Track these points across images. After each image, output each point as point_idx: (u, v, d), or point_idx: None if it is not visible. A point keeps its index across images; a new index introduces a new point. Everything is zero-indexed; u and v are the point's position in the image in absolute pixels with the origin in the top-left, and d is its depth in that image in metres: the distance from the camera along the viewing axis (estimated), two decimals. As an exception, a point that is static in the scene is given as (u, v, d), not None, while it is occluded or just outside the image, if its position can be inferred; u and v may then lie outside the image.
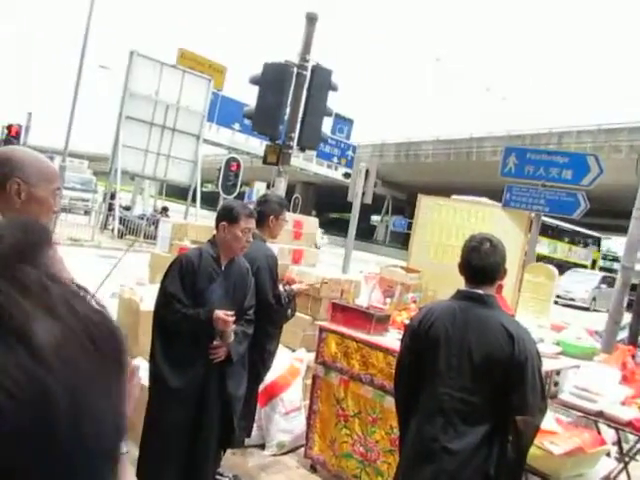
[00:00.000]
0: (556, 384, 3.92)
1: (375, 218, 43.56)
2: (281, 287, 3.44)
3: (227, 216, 2.82)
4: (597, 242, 29.89)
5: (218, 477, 3.26)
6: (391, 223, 36.77)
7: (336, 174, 29.38)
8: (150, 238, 14.28)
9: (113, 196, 17.09)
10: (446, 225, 5.59)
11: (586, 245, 28.15)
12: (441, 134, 29.89)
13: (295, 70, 5.76)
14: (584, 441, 2.53)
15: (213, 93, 19.03)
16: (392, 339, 3.41)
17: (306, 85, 5.84)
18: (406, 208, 34.82)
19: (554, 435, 2.50)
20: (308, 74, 5.85)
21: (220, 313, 2.64)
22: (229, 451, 3.57)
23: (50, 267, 0.90)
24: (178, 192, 27.92)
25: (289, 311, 3.43)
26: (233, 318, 2.68)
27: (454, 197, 6.04)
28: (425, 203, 5.80)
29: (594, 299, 20.89)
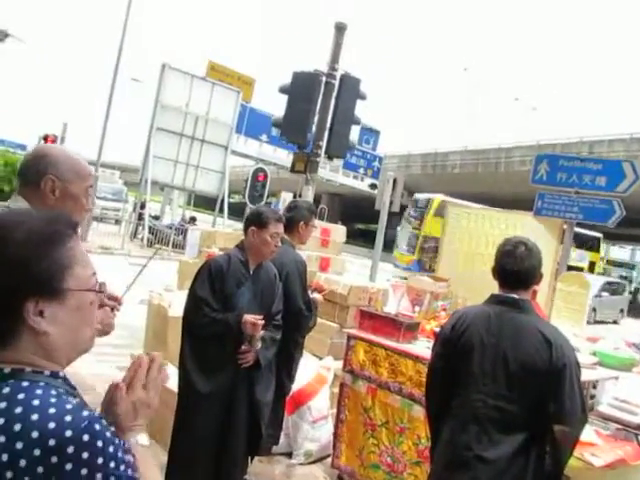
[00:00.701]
0: (593, 397, 3.79)
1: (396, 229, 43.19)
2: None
3: (256, 221, 2.82)
4: (596, 243, 25.81)
5: (245, 484, 3.24)
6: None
7: (362, 185, 29.38)
8: (178, 247, 14.50)
9: (143, 206, 17.41)
10: (475, 233, 5.50)
11: (581, 246, 23.65)
12: (469, 144, 29.60)
13: (324, 79, 5.79)
14: (626, 453, 2.42)
15: (241, 105, 19.29)
16: (422, 347, 3.35)
17: (334, 94, 5.86)
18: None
19: (594, 447, 2.40)
20: (337, 83, 5.87)
21: (249, 317, 2.64)
22: (256, 458, 3.56)
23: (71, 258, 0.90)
24: (206, 202, 28.28)
25: (312, 322, 3.40)
26: (262, 322, 2.67)
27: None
28: (453, 211, 5.73)
29: (594, 309, 17.28)
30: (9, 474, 0.76)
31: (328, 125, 5.83)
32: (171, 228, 16.44)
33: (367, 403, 3.40)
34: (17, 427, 0.78)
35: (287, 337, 3.16)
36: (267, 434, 3.28)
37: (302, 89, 5.58)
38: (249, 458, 3.23)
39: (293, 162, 6.02)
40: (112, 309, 1.67)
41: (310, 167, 5.83)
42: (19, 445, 0.77)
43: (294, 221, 3.29)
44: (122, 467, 0.85)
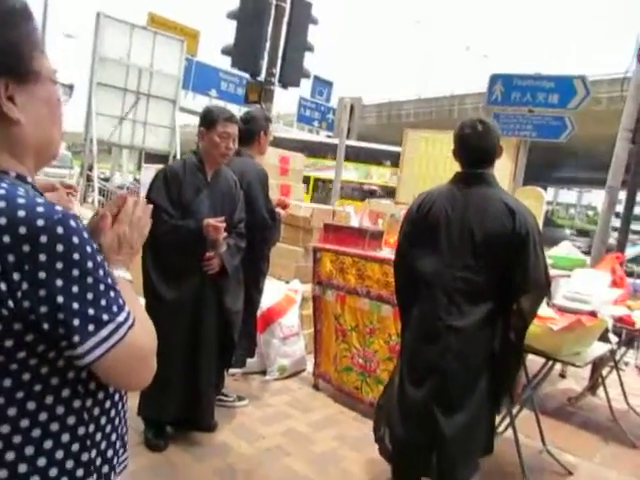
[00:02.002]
0: (548, 294, 3.99)
1: (358, 183, 43.41)
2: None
3: (204, 121, 2.70)
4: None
5: (222, 397, 3.27)
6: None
7: (318, 138, 29.11)
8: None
9: (91, 168, 16.73)
10: (433, 157, 5.58)
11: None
12: (422, 93, 29.65)
13: (274, 2, 5.59)
14: (581, 316, 2.58)
15: (187, 59, 18.46)
16: (387, 253, 3.41)
17: (286, 19, 5.69)
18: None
19: (553, 320, 2.54)
20: (287, 7, 5.68)
21: (210, 220, 2.57)
22: (230, 377, 3.60)
23: None
24: (158, 162, 27.41)
25: (277, 234, 3.36)
26: (224, 224, 2.61)
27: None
28: (411, 137, 5.77)
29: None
30: None
31: (280, 52, 5.69)
32: (122, 188, 15.92)
33: (337, 311, 3.46)
34: None
35: (253, 249, 3.13)
36: (241, 347, 3.30)
37: (251, 12, 5.37)
38: (224, 371, 3.25)
39: (246, 92, 5.84)
40: (68, 194, 1.60)
41: (265, 96, 5.69)
42: None
43: (253, 132, 3.20)
44: (101, 272, 0.80)
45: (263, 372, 3.85)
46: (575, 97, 5.07)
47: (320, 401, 3.53)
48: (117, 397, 0.94)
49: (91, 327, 0.78)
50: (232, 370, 3.61)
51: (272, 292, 4.07)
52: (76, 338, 0.77)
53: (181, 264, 2.64)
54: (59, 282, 0.75)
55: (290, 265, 4.55)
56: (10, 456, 0.79)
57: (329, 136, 26.52)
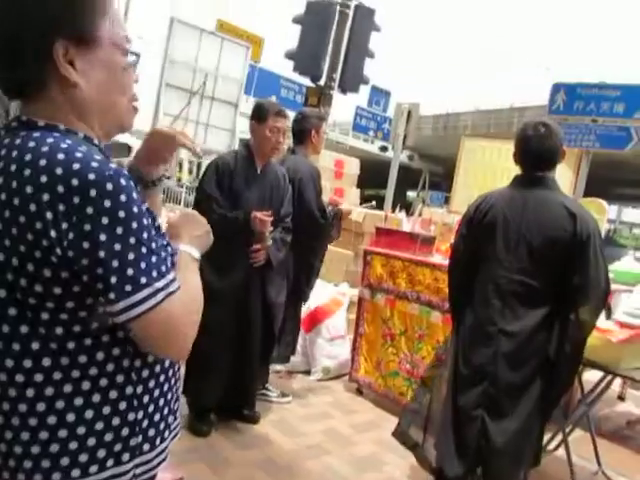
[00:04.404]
0: (609, 308, 3.81)
1: (411, 194, 43.06)
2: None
3: (255, 115, 2.74)
4: None
5: (266, 392, 3.31)
6: (428, 198, 36.26)
7: (372, 147, 29.04)
8: (190, 207, 14.50)
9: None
10: (490, 167, 5.46)
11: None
12: (481, 104, 29.03)
13: (338, 8, 5.66)
14: (642, 329, 2.44)
15: (250, 65, 18.92)
16: (438, 259, 3.37)
17: (348, 24, 5.74)
18: (443, 183, 34.19)
19: (612, 332, 2.42)
20: (351, 13, 5.74)
21: (258, 213, 2.62)
22: (275, 374, 3.64)
23: None
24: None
25: (334, 230, 3.37)
26: (271, 218, 2.65)
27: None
28: (468, 146, 5.66)
29: None
30: (33, 207, 0.74)
31: (342, 58, 5.75)
32: (182, 187, 16.45)
33: (386, 314, 3.44)
34: (42, 162, 0.76)
35: (304, 244, 3.15)
36: (285, 342, 3.33)
37: (316, 19, 5.47)
38: (267, 363, 3.27)
39: (306, 96, 5.93)
40: None
41: (324, 101, 5.76)
42: (43, 179, 0.75)
43: (305, 131, 3.22)
44: (144, 235, 0.80)
45: (307, 372, 3.86)
46: (644, 107, 4.85)
47: (362, 404, 3.50)
48: (167, 363, 0.95)
49: (128, 287, 0.77)
50: (277, 367, 3.66)
51: (321, 293, 4.09)
52: (112, 295, 0.77)
53: (229, 254, 2.65)
54: (103, 237, 0.75)
55: (340, 268, 4.56)
56: (60, 404, 0.81)
57: (384, 146, 26.38)
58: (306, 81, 6.44)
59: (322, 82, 5.90)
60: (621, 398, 4.41)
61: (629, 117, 4.92)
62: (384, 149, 26.90)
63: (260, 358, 2.93)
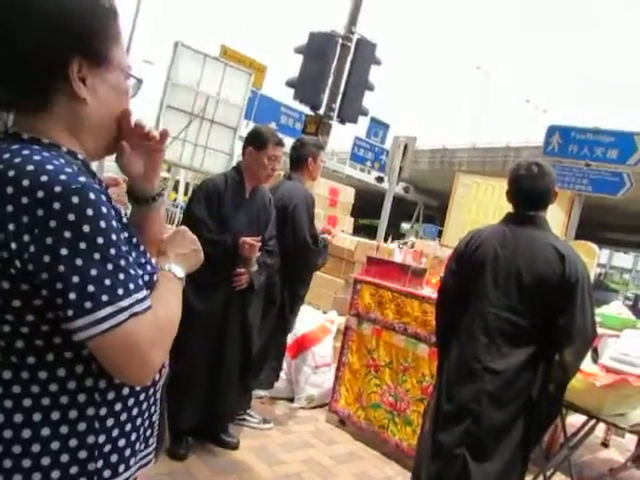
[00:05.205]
0: (595, 351, 3.81)
1: (405, 226, 43.27)
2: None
3: (254, 141, 2.76)
4: None
5: (247, 417, 3.26)
6: (421, 230, 36.45)
7: (369, 178, 29.29)
8: (183, 226, 14.45)
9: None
10: (484, 203, 5.51)
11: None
12: (478, 142, 29.53)
13: (340, 41, 5.80)
14: (628, 376, 2.44)
15: (252, 91, 19.20)
16: (428, 292, 3.37)
17: (350, 57, 5.88)
18: (437, 216, 34.45)
19: (596, 376, 2.42)
20: (353, 46, 5.88)
21: (247, 239, 2.63)
22: (258, 399, 3.58)
23: None
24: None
25: (321, 259, 3.37)
26: (259, 244, 2.67)
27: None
28: (462, 181, 5.73)
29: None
30: None
31: (342, 89, 5.86)
32: (177, 207, 16.47)
33: (371, 345, 3.41)
34: (11, 173, 0.75)
35: (293, 272, 3.15)
36: (270, 367, 3.30)
37: (318, 49, 5.60)
38: (250, 392, 3.24)
39: (305, 123, 6.03)
40: None
41: (322, 129, 5.85)
42: (9, 189, 0.74)
43: (302, 158, 3.26)
44: (112, 251, 0.77)
45: (290, 399, 3.81)
46: (635, 153, 4.95)
47: (344, 435, 3.45)
48: (138, 387, 0.90)
49: (88, 304, 0.74)
50: (260, 392, 3.61)
51: (308, 320, 4.06)
52: (70, 312, 0.74)
53: (212, 277, 2.62)
54: (64, 251, 0.73)
55: (329, 295, 4.54)
56: (17, 418, 0.78)
57: (380, 177, 26.63)
58: (306, 109, 6.53)
59: (321, 111, 6.01)
60: (605, 445, 4.37)
61: (622, 163, 5.02)
62: (380, 180, 27.14)
63: (240, 383, 2.90)
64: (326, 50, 5.64)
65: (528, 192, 2.20)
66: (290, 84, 5.96)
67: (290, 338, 3.64)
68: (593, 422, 2.56)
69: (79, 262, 0.74)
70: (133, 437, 0.90)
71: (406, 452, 3.03)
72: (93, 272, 0.75)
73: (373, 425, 3.34)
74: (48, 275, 0.74)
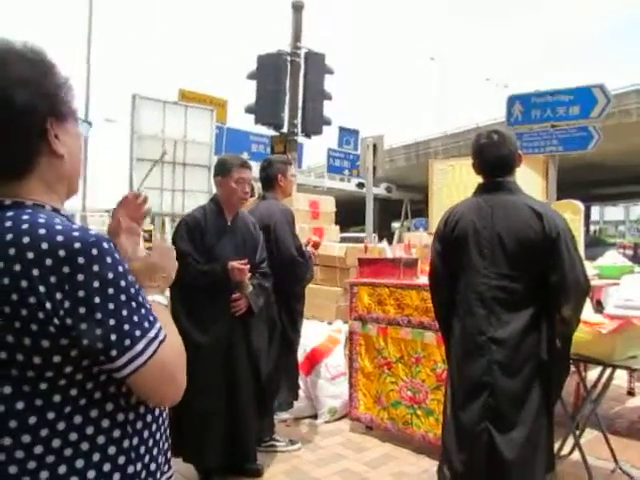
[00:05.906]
0: (599, 303, 3.83)
1: (395, 225, 43.35)
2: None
3: (219, 170, 2.82)
4: None
5: (274, 442, 3.24)
6: (412, 226, 36.52)
7: (349, 186, 29.40)
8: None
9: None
10: (462, 184, 5.53)
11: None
12: (448, 129, 29.78)
13: (288, 58, 5.89)
14: (632, 318, 2.45)
15: (218, 127, 19.33)
16: (424, 280, 3.38)
17: (302, 72, 5.96)
18: (424, 209, 34.42)
19: (602, 324, 2.43)
20: (302, 60, 5.97)
21: (234, 263, 2.65)
22: (282, 422, 3.56)
23: None
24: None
25: (308, 273, 3.37)
26: (248, 266, 2.68)
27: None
28: (437, 168, 5.77)
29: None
30: (24, 283, 0.77)
31: (300, 104, 5.94)
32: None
33: (379, 344, 3.42)
34: (26, 240, 0.79)
35: (286, 289, 3.16)
36: (285, 389, 3.29)
37: (268, 70, 5.69)
38: (272, 416, 3.22)
39: (272, 145, 6.09)
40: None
41: (289, 147, 5.91)
42: (30, 255, 0.78)
43: (272, 176, 3.29)
44: (132, 290, 0.85)
45: (314, 416, 3.78)
46: (597, 106, 5.03)
47: (372, 440, 3.43)
48: (157, 412, 0.97)
49: (127, 342, 0.82)
50: (283, 415, 3.59)
51: (315, 333, 4.06)
52: (114, 352, 0.81)
53: (210, 308, 2.69)
54: (97, 299, 0.80)
55: (330, 306, 4.54)
56: (62, 469, 0.82)
57: (361, 183, 26.72)
58: (272, 131, 6.60)
59: (285, 129, 6.08)
60: (631, 393, 4.37)
61: (586, 117, 5.09)
62: (361, 186, 27.19)
63: (258, 408, 2.88)
64: (276, 70, 5.74)
65: (493, 160, 2.23)
66: (249, 110, 6.04)
67: (300, 355, 3.64)
68: (609, 371, 2.57)
69: (111, 306, 0.82)
70: (160, 459, 0.97)
71: (433, 443, 3.01)
72: (124, 312, 0.83)
73: (397, 423, 3.32)
74: (87, 324, 0.80)
